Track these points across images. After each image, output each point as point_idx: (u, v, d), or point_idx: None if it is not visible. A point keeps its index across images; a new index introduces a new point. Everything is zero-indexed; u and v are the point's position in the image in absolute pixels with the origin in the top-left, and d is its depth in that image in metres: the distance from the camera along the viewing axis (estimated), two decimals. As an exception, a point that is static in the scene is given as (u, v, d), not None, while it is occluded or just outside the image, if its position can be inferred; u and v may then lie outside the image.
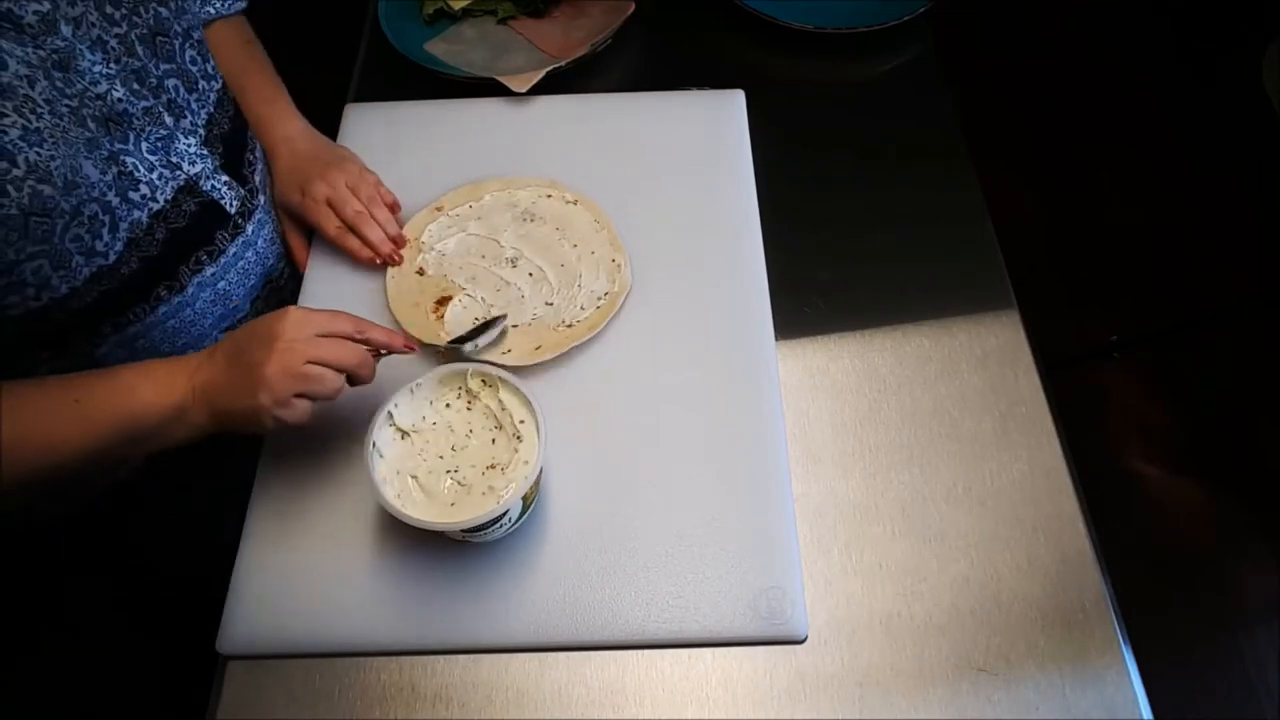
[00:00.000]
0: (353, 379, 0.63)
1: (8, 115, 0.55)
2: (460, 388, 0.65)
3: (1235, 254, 1.76)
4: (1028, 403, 0.74)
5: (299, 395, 0.60)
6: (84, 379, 0.60)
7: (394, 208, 0.82)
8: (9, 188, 0.54)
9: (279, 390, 0.59)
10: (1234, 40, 1.95)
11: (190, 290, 0.72)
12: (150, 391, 0.59)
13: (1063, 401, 0.75)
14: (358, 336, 0.63)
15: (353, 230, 0.80)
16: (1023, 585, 0.66)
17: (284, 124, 0.83)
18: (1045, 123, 1.97)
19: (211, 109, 0.73)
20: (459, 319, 0.76)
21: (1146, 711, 0.62)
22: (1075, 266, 1.77)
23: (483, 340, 0.73)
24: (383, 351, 0.65)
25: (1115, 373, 1.64)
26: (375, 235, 0.80)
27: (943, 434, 0.73)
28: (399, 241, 0.81)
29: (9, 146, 0.54)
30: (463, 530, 0.61)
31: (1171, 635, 1.35)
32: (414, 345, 0.67)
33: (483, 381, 0.65)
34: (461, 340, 0.73)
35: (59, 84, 0.59)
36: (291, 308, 0.61)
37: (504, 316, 0.76)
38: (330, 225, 0.80)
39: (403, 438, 0.63)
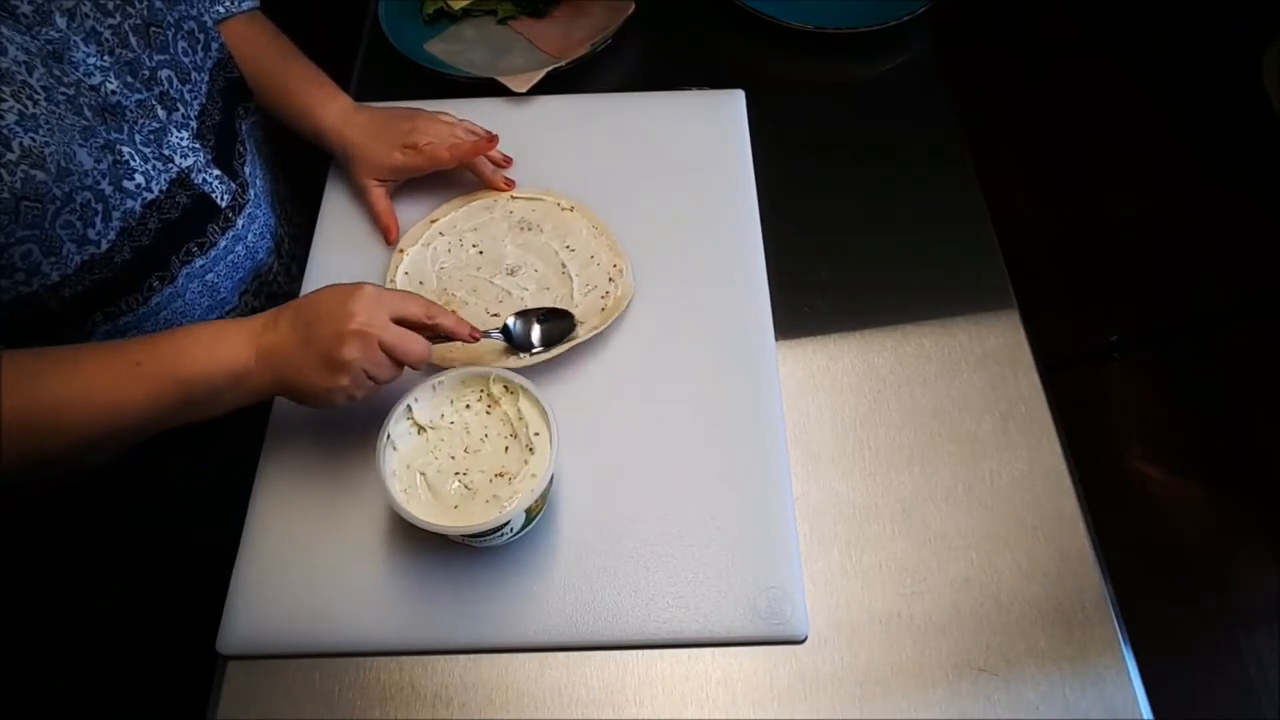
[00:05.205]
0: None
1: (5, 100, 0.55)
2: (482, 390, 0.65)
3: (1235, 254, 1.76)
4: (1028, 403, 0.74)
5: (369, 376, 0.61)
6: (142, 342, 0.60)
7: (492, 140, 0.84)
8: (2, 172, 0.55)
9: (358, 373, 0.60)
10: (1234, 40, 1.95)
11: (180, 281, 0.72)
12: (207, 355, 0.59)
13: (1063, 401, 0.75)
14: (428, 322, 0.63)
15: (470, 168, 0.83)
16: (1023, 585, 0.66)
17: (338, 99, 0.83)
18: (1045, 122, 1.97)
19: (204, 100, 0.73)
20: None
21: (1146, 711, 0.62)
22: (1075, 266, 1.77)
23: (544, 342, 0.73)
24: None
25: (1115, 373, 1.64)
26: (487, 169, 0.84)
27: (943, 434, 0.73)
28: (505, 163, 0.86)
29: (4, 131, 0.55)
30: (463, 535, 0.61)
31: (1171, 635, 1.35)
32: (479, 335, 0.67)
33: (505, 387, 0.65)
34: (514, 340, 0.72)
35: (55, 73, 0.59)
36: (366, 285, 0.61)
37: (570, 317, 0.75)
38: (450, 158, 0.81)
39: (419, 433, 0.63)
